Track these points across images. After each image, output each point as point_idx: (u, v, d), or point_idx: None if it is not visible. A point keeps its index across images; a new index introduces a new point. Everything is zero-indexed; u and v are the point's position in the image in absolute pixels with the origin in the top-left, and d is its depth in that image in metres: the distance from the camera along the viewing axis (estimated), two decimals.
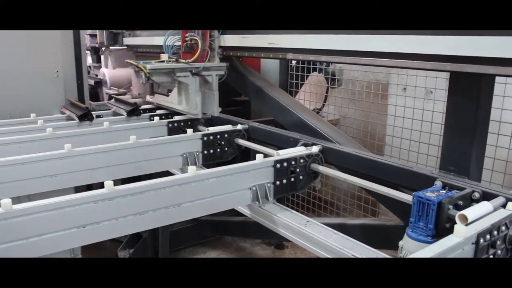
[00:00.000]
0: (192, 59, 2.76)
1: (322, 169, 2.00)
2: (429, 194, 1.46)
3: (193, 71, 2.80)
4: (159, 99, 3.25)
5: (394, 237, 1.54)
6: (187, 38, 2.79)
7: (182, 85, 2.88)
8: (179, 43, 2.87)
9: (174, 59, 2.79)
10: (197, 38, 2.76)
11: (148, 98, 3.45)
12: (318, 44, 2.24)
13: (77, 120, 2.76)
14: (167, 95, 3.17)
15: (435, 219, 1.39)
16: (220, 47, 2.90)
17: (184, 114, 2.94)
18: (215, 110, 2.88)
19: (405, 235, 1.45)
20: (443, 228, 1.38)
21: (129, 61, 2.76)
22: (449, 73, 1.78)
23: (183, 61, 2.76)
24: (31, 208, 1.35)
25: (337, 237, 1.57)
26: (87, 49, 4.26)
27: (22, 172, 1.94)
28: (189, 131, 2.41)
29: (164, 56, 2.78)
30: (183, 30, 2.81)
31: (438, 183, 1.64)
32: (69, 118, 2.93)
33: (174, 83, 2.88)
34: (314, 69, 3.82)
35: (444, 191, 1.54)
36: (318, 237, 1.58)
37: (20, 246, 1.35)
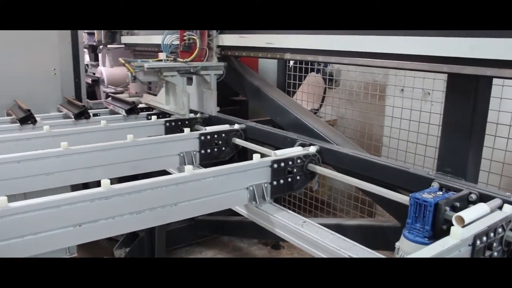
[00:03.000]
0: (190, 58, 2.74)
1: (319, 169, 2.00)
2: (426, 195, 1.46)
3: (192, 71, 2.78)
4: (147, 98, 3.21)
5: (391, 238, 1.55)
6: (185, 37, 2.77)
7: (170, 85, 2.84)
8: (177, 42, 2.83)
9: (172, 58, 2.77)
10: (195, 37, 2.74)
11: (139, 99, 3.43)
12: (315, 45, 2.24)
13: (73, 118, 2.75)
14: (155, 95, 3.16)
15: (432, 220, 1.39)
16: (218, 46, 2.90)
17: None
18: (212, 109, 2.86)
19: (402, 236, 1.45)
20: (440, 229, 1.38)
21: (121, 59, 2.71)
22: (446, 74, 1.79)
23: (181, 60, 2.73)
24: (27, 206, 1.35)
25: (334, 238, 1.57)
26: (85, 47, 4.26)
27: (19, 170, 1.93)
28: (187, 130, 2.40)
29: (162, 55, 2.75)
30: (181, 30, 2.79)
31: (435, 185, 1.64)
32: (66, 116, 2.92)
33: (161, 82, 2.84)
34: (312, 70, 3.81)
35: (441, 193, 1.54)
36: (314, 238, 1.58)
37: (16, 244, 1.34)
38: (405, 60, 1.82)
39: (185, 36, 2.78)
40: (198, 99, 2.99)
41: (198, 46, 2.75)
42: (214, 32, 2.86)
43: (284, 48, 2.46)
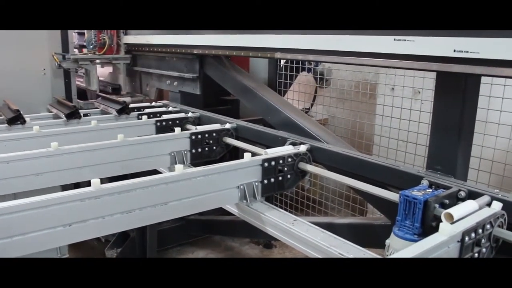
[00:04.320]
0: (102, 52, 3.88)
1: (310, 168, 2.00)
2: (416, 193, 1.46)
3: (101, 61, 4.03)
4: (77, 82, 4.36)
5: (382, 235, 1.55)
6: (101, 38, 3.88)
7: (87, 70, 3.94)
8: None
9: (92, 52, 3.89)
10: (106, 38, 3.86)
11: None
12: (306, 44, 2.25)
13: (65, 119, 2.73)
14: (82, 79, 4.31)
15: (422, 217, 1.40)
16: (125, 44, 4.03)
17: (173, 113, 2.95)
18: (122, 85, 4.17)
19: (392, 233, 1.46)
20: (429, 226, 1.39)
21: (53, 53, 3.59)
22: (435, 73, 1.80)
23: (98, 53, 3.88)
24: (16, 206, 1.34)
25: (325, 236, 1.57)
26: (75, 47, 4.23)
27: (8, 171, 1.91)
28: (177, 129, 2.39)
29: (85, 50, 4.01)
30: (98, 32, 3.88)
31: (424, 182, 1.65)
32: (56, 117, 2.90)
33: (81, 69, 3.95)
34: (303, 69, 3.84)
35: (430, 190, 1.54)
36: (305, 236, 1.57)
37: (4, 245, 1.33)
38: (395, 59, 1.82)
39: (100, 37, 3.88)
40: (113, 79, 4.34)
41: (107, 44, 3.87)
42: (122, 34, 3.98)
43: (274, 48, 2.46)
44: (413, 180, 1.69)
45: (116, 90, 4.19)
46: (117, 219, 1.55)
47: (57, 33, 3.63)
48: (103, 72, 4.69)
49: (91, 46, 3.95)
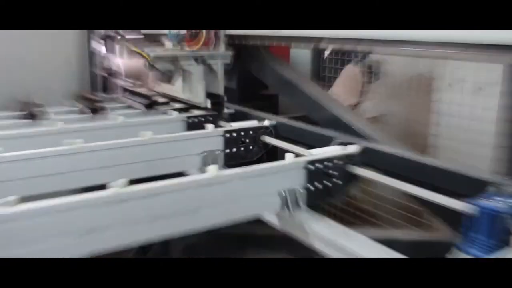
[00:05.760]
0: (197, 46, 2.64)
1: (362, 172, 1.79)
2: (492, 202, 1.27)
3: (198, 59, 2.71)
4: (165, 88, 3.14)
5: (445, 253, 1.36)
6: None
7: (187, 74, 2.77)
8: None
9: (179, 47, 2.69)
10: None
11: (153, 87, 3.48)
12: (355, 32, 2.04)
13: (90, 114, 2.67)
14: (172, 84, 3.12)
15: (498, 231, 1.23)
16: (226, 35, 2.76)
17: (203, 108, 2.79)
18: None
19: (461, 251, 1.29)
20: (506, 240, 1.22)
21: (133, 48, 2.70)
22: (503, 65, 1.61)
23: (188, 48, 2.64)
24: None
25: (385, 253, 1.38)
26: (102, 38, 4.19)
27: (29, 169, 1.82)
28: (210, 126, 2.25)
29: (168, 44, 2.73)
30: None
31: (496, 189, 1.42)
32: (81, 112, 2.84)
33: (178, 71, 2.80)
34: (349, 61, 3.74)
35: (505, 199, 1.31)
36: (362, 254, 1.38)
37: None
38: (459, 49, 1.63)
39: None
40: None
41: (204, 34, 2.62)
42: None
43: (319, 37, 2.27)
44: (482, 186, 1.46)
45: None
46: (141, 228, 1.36)
47: None
48: (129, 65, 4.63)
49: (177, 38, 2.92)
